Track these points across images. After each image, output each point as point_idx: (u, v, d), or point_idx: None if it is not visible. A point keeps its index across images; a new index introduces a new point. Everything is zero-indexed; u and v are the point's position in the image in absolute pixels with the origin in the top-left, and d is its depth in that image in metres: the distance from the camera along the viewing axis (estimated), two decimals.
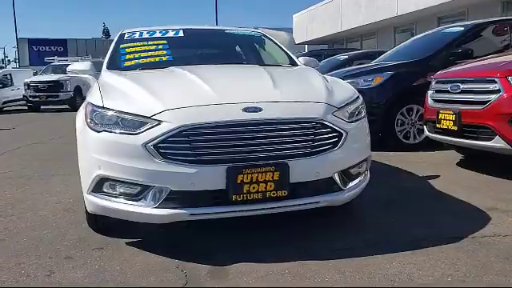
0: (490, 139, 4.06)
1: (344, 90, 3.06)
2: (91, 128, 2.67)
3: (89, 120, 2.71)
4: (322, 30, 20.34)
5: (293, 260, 2.46)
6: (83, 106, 3.01)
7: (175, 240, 2.87)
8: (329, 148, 2.65)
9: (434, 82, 4.90)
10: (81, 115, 2.93)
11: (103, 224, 2.97)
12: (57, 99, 16.73)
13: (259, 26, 20.71)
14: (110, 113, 2.63)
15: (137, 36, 4.05)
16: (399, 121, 5.88)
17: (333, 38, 21.17)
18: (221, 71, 3.44)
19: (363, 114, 2.98)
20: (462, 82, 4.37)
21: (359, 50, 14.24)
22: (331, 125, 2.65)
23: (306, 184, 2.61)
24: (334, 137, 2.67)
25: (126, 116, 2.57)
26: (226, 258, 2.53)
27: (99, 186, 2.64)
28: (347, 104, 2.85)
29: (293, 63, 3.97)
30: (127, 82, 2.99)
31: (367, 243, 2.71)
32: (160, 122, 2.48)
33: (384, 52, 8.28)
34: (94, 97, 2.83)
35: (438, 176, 4.35)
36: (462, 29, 6.68)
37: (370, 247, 2.62)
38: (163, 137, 2.44)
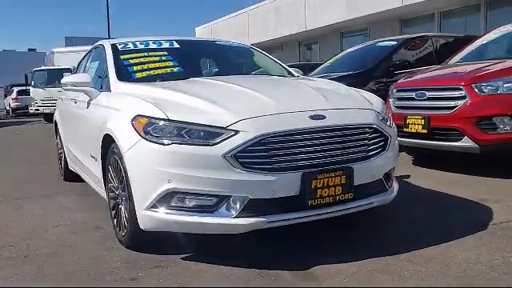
0: (458, 140, 4.59)
1: (374, 97, 3.28)
2: (153, 141, 2.56)
3: (146, 133, 2.60)
4: None
5: (367, 257, 2.60)
6: (116, 120, 2.87)
7: (229, 251, 2.84)
8: (380, 151, 2.85)
9: (395, 91, 5.37)
10: (120, 130, 2.78)
11: (142, 243, 2.84)
12: None
13: None
14: (177, 125, 2.55)
15: (131, 47, 3.91)
16: None
17: None
18: (258, 82, 3.50)
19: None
20: (428, 90, 4.87)
21: None
22: (381, 129, 2.86)
23: (364, 186, 2.77)
24: (382, 140, 2.88)
25: (199, 127, 2.52)
26: (300, 263, 2.58)
27: (166, 200, 2.54)
28: (383, 110, 3.09)
29: (291, 74, 4.12)
30: (175, 94, 2.91)
31: (413, 237, 2.94)
32: (237, 131, 2.47)
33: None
34: (145, 109, 2.71)
35: (409, 175, 4.79)
36: (395, 43, 7.39)
37: (418, 240, 2.86)
38: (243, 146, 2.44)
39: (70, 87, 3.71)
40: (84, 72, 4.58)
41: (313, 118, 2.64)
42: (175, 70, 3.69)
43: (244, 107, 2.67)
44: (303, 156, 2.55)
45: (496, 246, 2.74)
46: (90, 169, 3.69)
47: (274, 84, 3.50)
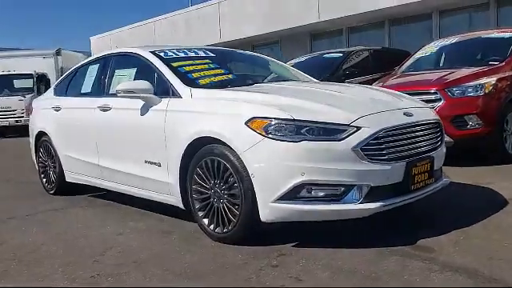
0: None
1: None
2: (280, 140, 2.80)
3: (268, 133, 2.83)
4: None
5: (451, 230, 3.11)
6: (221, 123, 3.04)
7: (339, 235, 3.16)
8: (442, 143, 3.41)
9: None
10: (232, 131, 2.96)
11: (255, 235, 3.04)
12: None
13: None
14: (303, 124, 2.82)
15: (173, 55, 3.99)
16: None
17: None
18: (334, 86, 3.92)
19: None
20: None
21: None
22: (441, 124, 3.43)
23: (436, 172, 3.31)
24: (441, 133, 3.44)
25: (323, 125, 2.82)
26: (407, 239, 2.99)
27: (295, 192, 2.80)
28: None
29: (310, 79, 4.54)
30: (279, 97, 3.17)
31: (466, 212, 3.55)
32: (358, 127, 2.83)
33: None
34: (263, 111, 2.92)
35: None
36: (341, 54, 8.21)
37: (475, 214, 3.46)
38: (368, 140, 2.81)
39: (123, 94, 3.67)
40: (99, 79, 4.49)
41: (405, 114, 3.11)
42: (230, 76, 3.89)
43: (353, 107, 3.03)
44: (405, 147, 3.00)
45: None
46: (146, 176, 3.70)
47: (348, 88, 3.90)
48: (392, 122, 2.97)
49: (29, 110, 17.21)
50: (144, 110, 3.67)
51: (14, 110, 16.30)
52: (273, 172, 2.82)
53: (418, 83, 5.82)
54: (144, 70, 3.94)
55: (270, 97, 3.21)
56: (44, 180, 5.32)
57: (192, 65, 3.85)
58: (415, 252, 2.81)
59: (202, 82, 3.65)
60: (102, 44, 21.96)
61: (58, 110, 4.93)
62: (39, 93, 16.94)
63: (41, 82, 17.17)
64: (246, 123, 2.93)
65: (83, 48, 24.12)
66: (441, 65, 6.64)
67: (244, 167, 2.91)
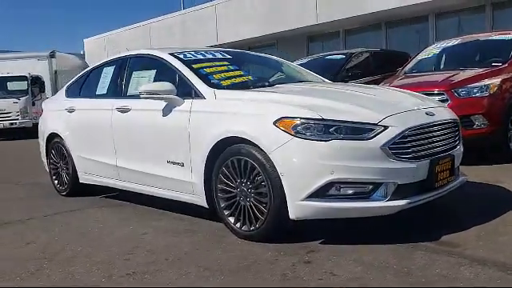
0: None
1: None
2: (310, 139, 2.88)
3: (298, 132, 2.90)
4: None
5: (472, 225, 3.21)
6: (248, 123, 3.11)
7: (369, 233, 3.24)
8: (460, 141, 3.51)
9: None
10: (260, 131, 3.03)
11: (284, 232, 3.11)
12: None
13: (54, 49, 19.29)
14: (332, 123, 2.90)
15: (192, 57, 4.05)
16: None
17: None
18: (356, 87, 4.01)
19: None
20: None
21: None
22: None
23: (456, 169, 3.41)
24: (459, 132, 3.54)
25: (352, 124, 2.90)
26: (432, 236, 3.08)
27: (324, 190, 2.87)
28: None
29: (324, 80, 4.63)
30: (304, 98, 3.26)
31: (487, 207, 3.65)
32: (386, 127, 2.91)
33: None
34: (291, 111, 2.99)
35: None
36: (344, 56, 8.32)
37: (494, 209, 3.57)
38: (396, 139, 2.90)
39: (146, 95, 3.72)
40: (116, 81, 4.53)
41: (427, 114, 3.20)
42: (250, 78, 3.97)
43: (379, 106, 3.12)
44: (428, 146, 3.10)
45: None
46: (168, 176, 3.74)
47: (367, 88, 3.98)
48: (416, 121, 3.07)
49: (24, 113, 17.17)
50: (167, 111, 3.72)
51: (8, 113, 16.22)
52: (302, 171, 2.90)
53: (425, 84, 5.93)
54: (164, 71, 3.99)
55: (296, 97, 3.29)
56: (56, 182, 5.33)
57: (212, 66, 3.92)
58: (440, 247, 2.90)
59: (223, 83, 3.71)
60: (96, 46, 21.94)
61: (71, 112, 4.95)
62: (33, 95, 16.90)
63: (35, 85, 17.08)
64: (274, 123, 3.00)
65: (74, 50, 24.00)
66: (444, 66, 6.77)
67: (273, 166, 2.98)
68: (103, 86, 4.70)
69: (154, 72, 4.15)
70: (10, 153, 11.51)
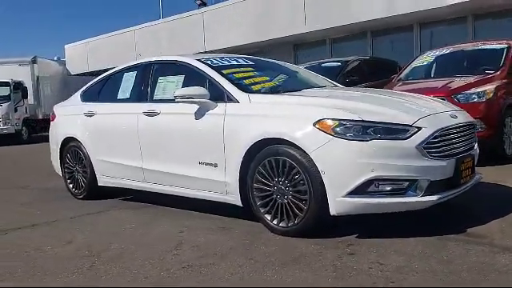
0: None
1: None
2: (350, 139, 3.09)
3: (337, 133, 3.11)
4: (112, 60, 19.85)
5: (490, 220, 3.47)
6: (287, 125, 3.30)
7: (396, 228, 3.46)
8: (476, 142, 3.79)
9: None
10: (300, 132, 3.23)
11: (325, 227, 3.31)
12: None
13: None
14: (370, 124, 3.12)
15: (219, 63, 4.22)
16: None
17: None
18: (384, 92, 4.27)
19: None
20: None
21: None
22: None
23: (473, 168, 3.67)
24: (475, 134, 3.82)
25: (390, 126, 3.13)
26: (457, 229, 3.32)
27: (364, 187, 3.08)
28: None
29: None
30: (342, 101, 3.49)
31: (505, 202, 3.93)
32: (419, 128, 3.15)
33: None
34: (330, 113, 3.20)
35: None
36: (339, 63, 8.62)
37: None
38: (429, 138, 3.14)
39: (181, 99, 3.87)
40: (140, 86, 4.64)
41: (451, 116, 3.47)
42: (277, 83, 4.18)
43: (410, 109, 3.36)
44: (454, 145, 3.35)
45: None
46: (200, 176, 3.89)
47: (389, 93, 4.23)
48: (445, 122, 3.32)
49: (6, 119, 16.84)
50: (199, 115, 3.87)
51: None
52: (344, 169, 3.10)
53: (426, 90, 6.23)
54: (192, 77, 4.14)
55: (331, 100, 3.51)
56: (71, 185, 5.38)
57: (240, 72, 4.10)
58: (469, 238, 3.15)
59: (254, 87, 3.90)
60: (77, 52, 21.75)
61: (90, 116, 5.03)
62: (15, 101, 16.65)
63: (17, 90, 16.84)
64: (314, 124, 3.20)
65: (52, 55, 23.64)
66: (438, 74, 7.11)
67: (313, 165, 3.17)
68: (125, 90, 4.81)
69: (181, 77, 4.29)
70: (5, 159, 11.27)
